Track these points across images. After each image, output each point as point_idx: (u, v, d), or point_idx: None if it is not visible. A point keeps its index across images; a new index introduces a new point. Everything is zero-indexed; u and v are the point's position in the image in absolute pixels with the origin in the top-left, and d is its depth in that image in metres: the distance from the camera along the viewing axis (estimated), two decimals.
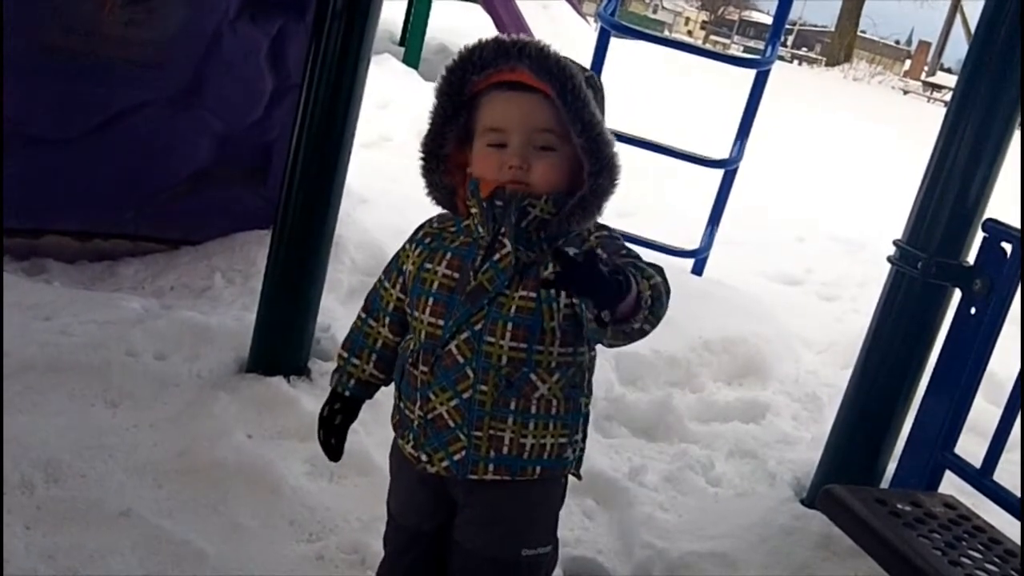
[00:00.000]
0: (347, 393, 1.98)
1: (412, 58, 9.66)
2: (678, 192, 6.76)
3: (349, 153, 3.14)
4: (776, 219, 7.15)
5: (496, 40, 1.72)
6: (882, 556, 2.33)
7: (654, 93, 10.43)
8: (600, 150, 1.71)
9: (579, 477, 1.92)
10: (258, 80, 4.09)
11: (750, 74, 5.25)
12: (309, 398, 3.12)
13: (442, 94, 1.77)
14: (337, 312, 3.67)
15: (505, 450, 1.79)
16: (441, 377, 1.79)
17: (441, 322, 1.78)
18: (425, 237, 1.87)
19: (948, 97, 3.55)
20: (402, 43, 10.87)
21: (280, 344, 3.25)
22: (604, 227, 1.82)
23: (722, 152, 5.35)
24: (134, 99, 3.89)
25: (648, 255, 5.20)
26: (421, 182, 1.85)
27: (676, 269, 5.21)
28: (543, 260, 1.72)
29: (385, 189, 5.32)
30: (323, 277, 3.26)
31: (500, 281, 1.74)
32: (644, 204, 6.03)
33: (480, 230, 1.77)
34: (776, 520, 2.95)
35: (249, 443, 2.89)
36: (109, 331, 3.29)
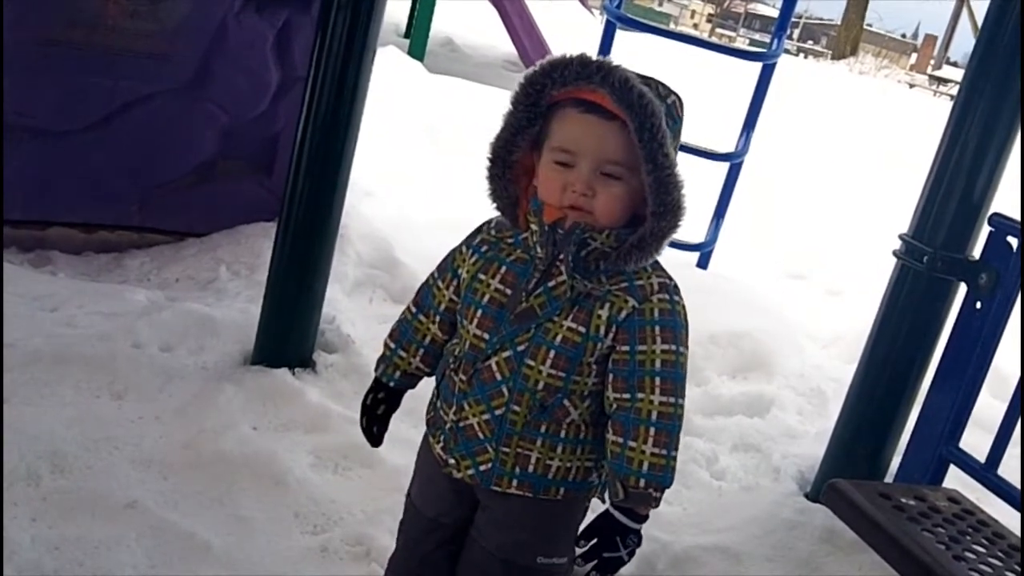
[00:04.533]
0: (391, 384, 2.00)
1: (417, 51, 9.64)
2: (684, 185, 6.75)
3: (354, 145, 3.14)
4: (781, 213, 7.14)
5: (581, 59, 1.67)
6: (886, 550, 2.33)
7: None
8: (668, 192, 1.68)
9: (603, 500, 1.90)
10: (264, 72, 4.09)
11: (756, 67, 5.24)
12: (314, 390, 3.13)
13: (518, 103, 1.73)
14: (342, 304, 3.68)
15: (531, 468, 1.80)
16: (477, 389, 1.80)
17: (487, 336, 1.78)
18: (482, 245, 1.84)
19: (955, 91, 3.54)
20: (407, 36, 10.86)
21: (285, 336, 3.25)
22: (664, 272, 1.79)
23: (728, 145, 5.34)
24: (139, 91, 3.89)
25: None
26: (486, 186, 1.82)
27: (681, 263, 5.22)
28: (598, 292, 1.73)
29: (390, 182, 5.33)
30: (328, 269, 3.26)
31: (552, 308, 1.74)
32: None
33: (538, 250, 1.75)
34: (780, 514, 2.95)
35: (254, 435, 2.89)
36: (115, 323, 3.29)
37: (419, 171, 5.60)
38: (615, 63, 1.66)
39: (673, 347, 1.73)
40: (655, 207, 1.68)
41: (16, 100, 3.69)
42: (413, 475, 2.03)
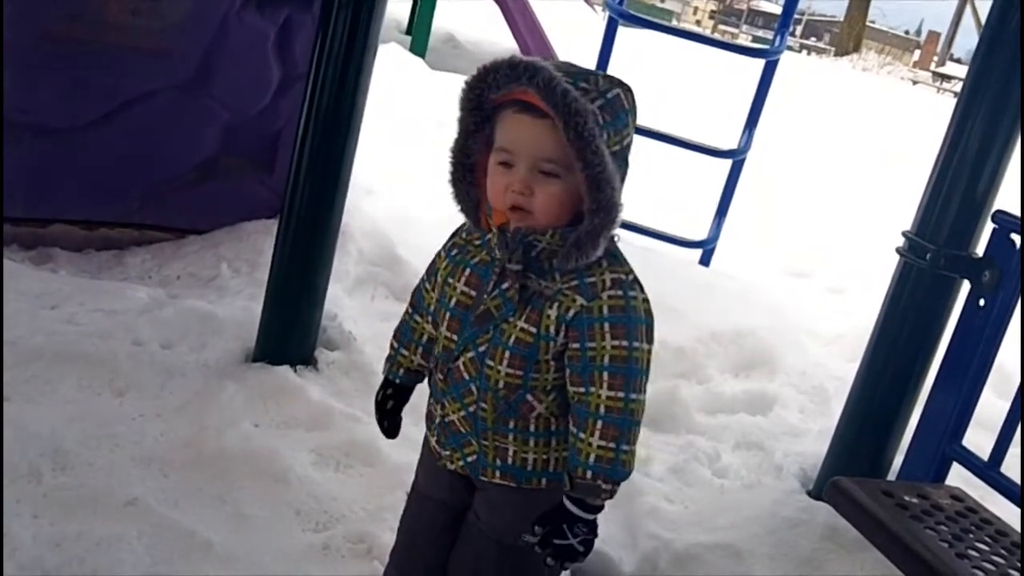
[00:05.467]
0: (398, 380, 2.07)
1: (419, 47, 9.64)
2: (686, 182, 6.75)
3: (356, 143, 3.14)
4: (784, 210, 7.13)
5: (509, 63, 1.69)
6: (888, 548, 2.33)
7: (662, 82, 10.40)
8: (600, 190, 1.68)
9: None
10: (265, 69, 4.08)
11: (759, 64, 5.24)
12: (316, 388, 3.13)
13: (463, 109, 1.77)
14: (344, 302, 3.67)
15: (510, 461, 1.87)
16: (452, 388, 1.87)
17: (455, 337, 1.84)
18: (452, 248, 1.90)
19: (958, 88, 3.53)
20: (409, 32, 10.86)
21: (287, 333, 3.25)
22: (621, 267, 1.78)
23: (730, 142, 5.34)
24: (140, 88, 3.88)
25: (656, 245, 5.19)
26: (450, 191, 1.85)
27: (684, 260, 5.22)
28: (550, 292, 1.75)
29: (392, 179, 5.32)
30: (330, 267, 3.26)
31: (507, 309, 1.78)
32: (652, 194, 6.01)
33: (496, 252, 1.79)
34: (782, 512, 2.95)
35: (256, 432, 2.89)
36: (116, 320, 3.29)
37: (421, 168, 5.59)
38: (544, 63, 1.67)
39: (624, 343, 1.72)
40: (590, 204, 1.69)
41: (17, 97, 3.68)
42: (419, 462, 2.08)
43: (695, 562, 2.74)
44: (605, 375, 1.73)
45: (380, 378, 2.10)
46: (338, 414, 3.02)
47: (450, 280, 1.85)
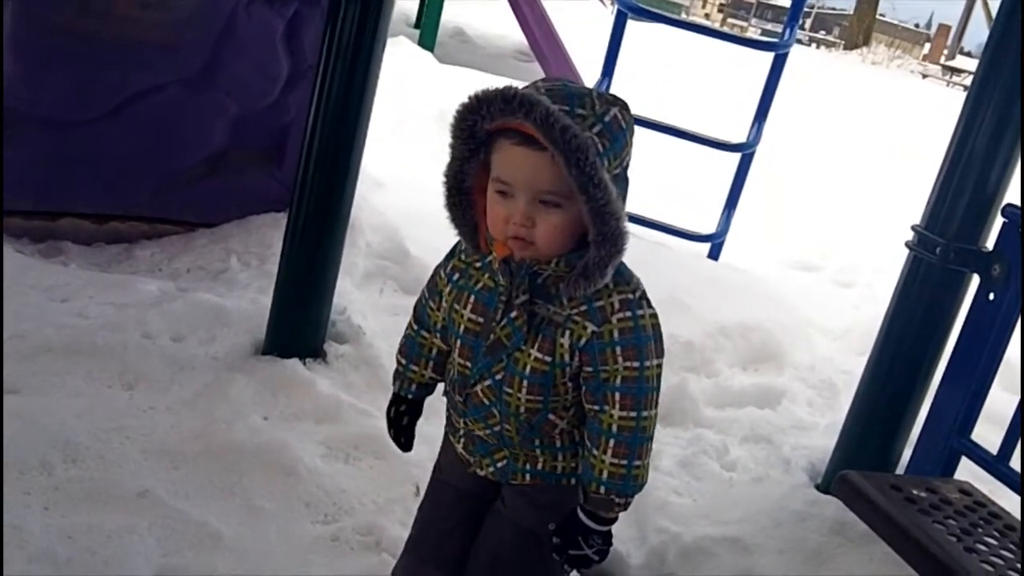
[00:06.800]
0: (410, 396, 2.06)
1: (427, 41, 9.62)
2: (695, 176, 6.74)
3: (365, 136, 3.14)
4: (793, 204, 7.12)
5: (503, 96, 1.63)
6: (897, 542, 2.33)
7: (671, 76, 10.38)
8: (604, 222, 1.64)
9: None
10: (274, 63, 4.08)
11: (768, 57, 5.23)
12: (325, 380, 3.13)
13: (456, 137, 1.73)
14: (353, 295, 3.68)
15: (540, 467, 1.89)
16: (473, 411, 1.87)
17: (469, 364, 1.84)
18: (454, 272, 1.88)
19: (968, 81, 3.51)
20: (417, 26, 10.85)
21: (296, 326, 3.26)
22: (627, 284, 1.76)
23: (739, 136, 5.33)
24: (149, 81, 3.89)
25: (665, 239, 5.18)
26: (446, 215, 1.82)
27: (692, 254, 5.21)
28: (559, 318, 1.74)
29: (400, 172, 5.33)
30: (339, 260, 3.26)
31: (517, 338, 1.77)
32: (661, 187, 6.01)
33: (500, 278, 1.78)
34: (791, 505, 2.95)
35: (265, 425, 2.90)
36: (126, 313, 3.30)
37: (429, 162, 5.59)
38: (539, 96, 1.61)
39: (636, 364, 1.73)
40: (595, 236, 1.66)
41: (26, 90, 3.69)
42: (441, 450, 2.08)
43: (703, 555, 2.74)
44: (617, 395, 1.74)
45: (389, 372, 2.09)
46: (347, 407, 3.03)
47: (456, 307, 1.84)
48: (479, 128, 1.68)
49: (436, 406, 2.09)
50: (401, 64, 7.34)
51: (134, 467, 2.65)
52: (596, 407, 1.77)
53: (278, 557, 2.46)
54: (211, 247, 3.98)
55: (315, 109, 3.07)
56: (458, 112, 1.69)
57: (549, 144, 1.59)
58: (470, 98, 1.67)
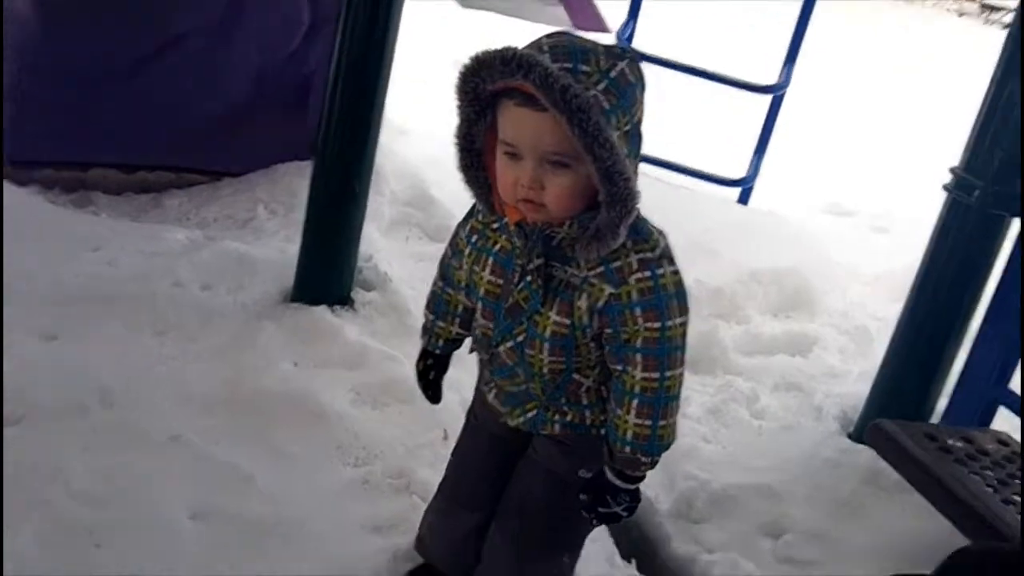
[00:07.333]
0: (437, 351, 2.08)
1: None
2: (724, 119, 6.64)
3: (387, 83, 3.10)
4: (826, 147, 7.00)
5: (501, 57, 1.58)
6: (931, 492, 2.31)
7: (700, 18, 10.21)
8: (613, 183, 1.59)
9: None
10: (295, 11, 4.04)
11: None
12: (352, 327, 3.14)
13: (461, 99, 1.69)
14: (379, 243, 3.67)
15: (568, 419, 1.88)
16: (498, 371, 1.88)
17: (491, 325, 1.83)
18: (472, 234, 1.86)
19: (1007, 19, 3.41)
20: None
21: (323, 274, 3.26)
22: (646, 242, 1.72)
23: (770, 77, 5.23)
24: (173, 31, 3.86)
25: (694, 184, 5.11)
26: (460, 177, 1.79)
27: (722, 198, 5.15)
28: (576, 280, 1.72)
29: (423, 120, 5.27)
30: (364, 207, 3.24)
31: (534, 302, 1.76)
32: (690, 131, 5.93)
33: (516, 240, 1.76)
34: (822, 453, 2.93)
35: (294, 371, 2.92)
36: (155, 262, 3.32)
37: (452, 108, 5.55)
38: (539, 56, 1.56)
39: (657, 324, 1.70)
40: (605, 196, 1.62)
41: (54, 43, 3.68)
42: (474, 396, 2.10)
43: (732, 502, 2.74)
44: (639, 356, 1.72)
45: (415, 319, 2.10)
46: (375, 353, 3.03)
47: (475, 268, 1.83)
48: (481, 90, 1.65)
49: (461, 352, 2.10)
50: (423, 9, 7.26)
51: (166, 412, 2.68)
52: (619, 367, 1.75)
53: (309, 499, 2.48)
54: (238, 196, 3.98)
55: (337, 57, 3.04)
56: (460, 74, 1.65)
57: (550, 105, 1.55)
58: (470, 60, 1.64)
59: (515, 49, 1.59)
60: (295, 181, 3.93)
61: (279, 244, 3.55)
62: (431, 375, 2.10)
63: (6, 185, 3.66)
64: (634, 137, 1.65)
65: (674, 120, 5.12)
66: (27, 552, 2.15)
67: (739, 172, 5.26)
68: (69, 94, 3.76)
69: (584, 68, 1.57)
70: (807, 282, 4.14)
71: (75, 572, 2.16)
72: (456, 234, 1.93)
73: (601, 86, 1.58)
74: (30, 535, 2.19)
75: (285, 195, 3.94)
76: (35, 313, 2.95)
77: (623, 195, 1.61)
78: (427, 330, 2.06)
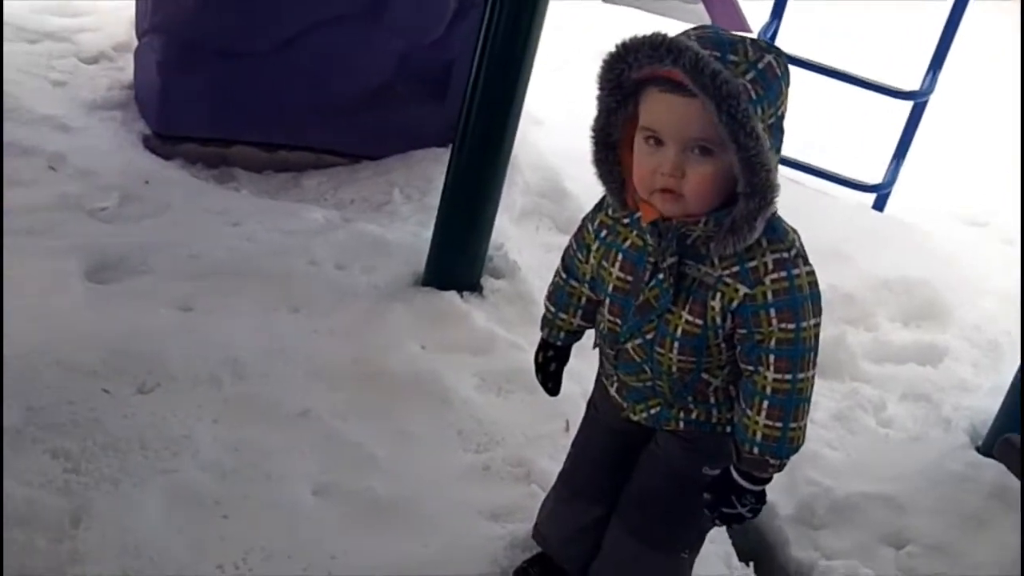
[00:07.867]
0: (559, 343, 2.08)
1: None
2: (864, 123, 6.48)
3: (529, 75, 3.12)
4: (965, 157, 6.76)
5: (651, 42, 1.58)
6: None
7: (845, 20, 9.97)
8: (755, 173, 1.58)
9: None
10: None
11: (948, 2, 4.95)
12: (481, 314, 3.18)
13: (603, 88, 1.68)
14: (510, 232, 3.70)
15: (694, 417, 1.88)
16: (624, 366, 1.88)
17: (619, 321, 1.84)
18: (601, 229, 1.86)
19: None
20: None
21: (454, 260, 3.31)
22: (781, 241, 1.71)
23: (913, 83, 5.08)
24: (320, 14, 3.94)
25: (829, 188, 5.00)
26: (593, 171, 1.79)
27: (857, 204, 5.04)
28: (710, 279, 1.71)
29: (560, 111, 5.29)
30: (498, 197, 3.28)
31: (664, 301, 1.75)
32: (827, 134, 5.80)
33: (648, 237, 1.76)
34: (949, 466, 2.86)
35: (422, 354, 2.98)
36: (292, 240, 3.42)
37: (589, 102, 5.55)
38: (688, 42, 1.55)
39: (791, 325, 1.69)
40: (744, 187, 1.60)
41: (204, 22, 3.81)
42: (595, 387, 2.10)
43: (854, 511, 2.70)
44: (772, 357, 1.71)
45: (541, 308, 2.10)
46: (501, 341, 3.07)
47: (604, 263, 1.83)
48: (626, 77, 1.63)
49: (583, 342, 2.10)
50: (567, 2, 7.27)
51: (296, 387, 2.76)
52: (751, 367, 1.74)
53: (430, 481, 2.53)
54: (374, 179, 4.06)
55: (481, 46, 3.06)
56: (605, 61, 1.65)
57: (699, 90, 1.54)
58: (617, 46, 1.63)
59: (664, 34, 1.58)
60: (431, 167, 4.00)
61: (412, 228, 3.62)
62: (552, 367, 2.11)
63: (150, 157, 3.83)
64: (777, 131, 1.64)
65: (812, 122, 5.03)
66: (153, 517, 2.24)
67: (876, 177, 5.13)
68: (216, 70, 3.89)
69: (732, 58, 1.57)
70: (939, 292, 4.02)
71: (201, 540, 2.23)
72: (583, 227, 1.94)
73: (749, 76, 1.57)
74: (157, 501, 2.28)
75: (421, 180, 4.00)
76: (173, 284, 3.07)
77: (763, 186, 1.60)
78: (548, 322, 2.07)
